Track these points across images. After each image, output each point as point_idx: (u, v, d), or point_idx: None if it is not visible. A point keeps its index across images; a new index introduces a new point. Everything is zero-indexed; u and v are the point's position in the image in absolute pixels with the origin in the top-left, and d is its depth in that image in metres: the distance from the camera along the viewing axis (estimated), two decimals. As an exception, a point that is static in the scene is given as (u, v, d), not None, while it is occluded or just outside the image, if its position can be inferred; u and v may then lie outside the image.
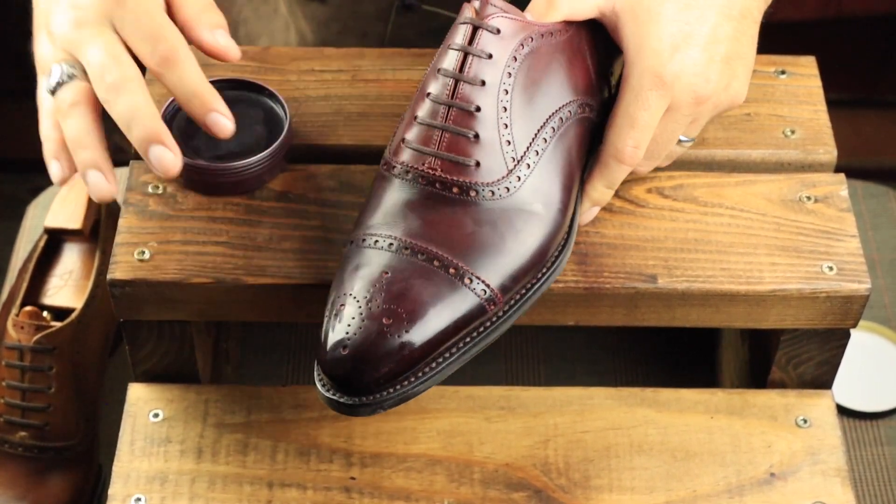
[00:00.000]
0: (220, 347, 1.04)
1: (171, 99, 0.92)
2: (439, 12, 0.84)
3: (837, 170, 0.96)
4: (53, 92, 0.82)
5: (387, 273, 0.78)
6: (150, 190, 0.92)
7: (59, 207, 1.16)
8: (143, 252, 0.89)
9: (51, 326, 1.08)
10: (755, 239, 0.91)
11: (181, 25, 0.84)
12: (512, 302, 0.81)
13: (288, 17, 1.15)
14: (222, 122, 0.83)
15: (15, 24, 1.77)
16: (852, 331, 0.93)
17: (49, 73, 0.83)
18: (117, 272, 0.88)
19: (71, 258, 1.16)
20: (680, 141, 0.89)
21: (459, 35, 0.82)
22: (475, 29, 0.82)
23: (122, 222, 0.91)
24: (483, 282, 0.79)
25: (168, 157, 0.81)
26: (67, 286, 1.14)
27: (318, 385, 0.79)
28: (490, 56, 0.81)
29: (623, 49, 0.85)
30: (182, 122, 0.93)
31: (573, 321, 0.90)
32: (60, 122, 0.82)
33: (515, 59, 0.82)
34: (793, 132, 0.97)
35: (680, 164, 0.96)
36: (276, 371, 1.14)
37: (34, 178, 1.82)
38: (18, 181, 1.87)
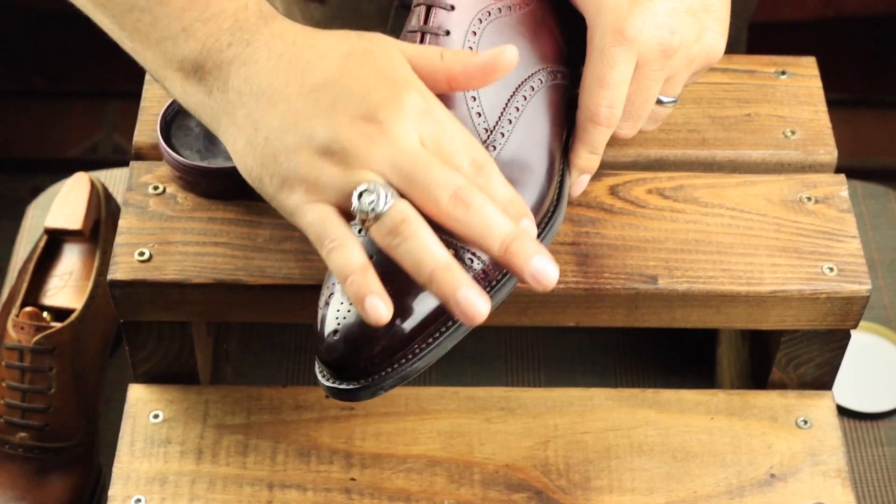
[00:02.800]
0: (220, 348, 1.04)
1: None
2: None
3: (837, 170, 0.96)
4: (377, 214, 0.72)
5: (372, 257, 0.78)
6: (150, 190, 0.92)
7: (59, 207, 1.16)
8: (143, 252, 0.89)
9: (51, 327, 1.08)
10: (756, 240, 0.91)
11: (448, 83, 0.78)
12: (504, 271, 0.81)
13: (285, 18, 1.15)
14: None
15: (15, 25, 1.77)
16: (852, 331, 0.93)
17: (357, 195, 0.72)
18: (117, 273, 0.88)
19: (71, 258, 1.16)
20: (661, 102, 0.88)
21: (415, 17, 0.83)
22: (429, 8, 0.82)
23: (122, 223, 0.91)
24: (472, 253, 0.79)
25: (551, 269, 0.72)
26: (67, 286, 1.14)
27: (319, 376, 0.80)
28: (448, 33, 0.82)
29: (584, 14, 0.84)
30: (182, 122, 0.93)
31: (573, 322, 0.90)
32: (396, 247, 0.72)
33: (475, 34, 0.82)
34: (793, 133, 0.97)
35: (680, 165, 0.96)
36: (276, 372, 1.14)
37: (34, 178, 1.83)
38: (18, 181, 1.87)
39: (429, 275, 0.71)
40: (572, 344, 1.16)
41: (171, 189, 0.93)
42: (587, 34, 0.84)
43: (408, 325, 0.77)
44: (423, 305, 0.78)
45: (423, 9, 0.83)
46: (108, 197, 1.19)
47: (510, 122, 0.82)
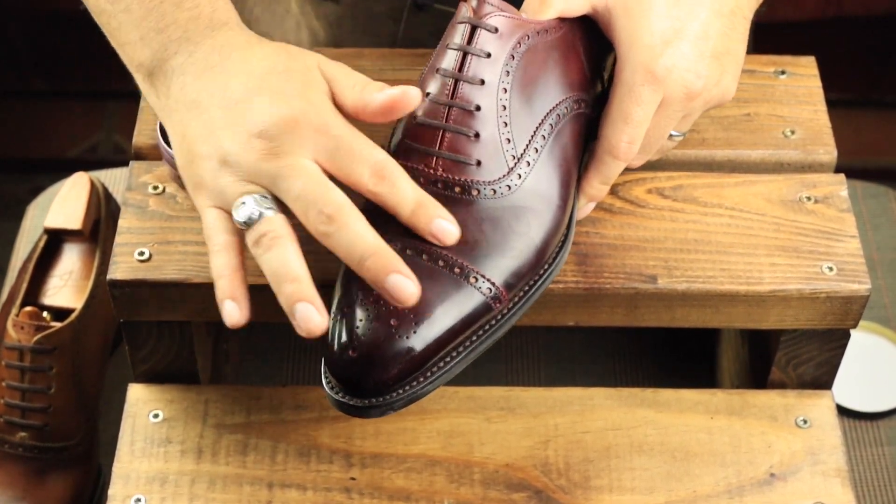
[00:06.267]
0: (220, 347, 1.04)
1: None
2: (452, 12, 0.84)
3: (837, 170, 0.96)
4: (249, 226, 0.78)
5: None
6: (150, 190, 0.92)
7: (59, 207, 1.16)
8: (143, 252, 0.89)
9: (51, 327, 1.08)
10: (755, 239, 0.91)
11: (353, 113, 0.81)
12: (516, 299, 0.82)
13: (300, 17, 1.15)
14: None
15: (15, 25, 1.77)
16: (852, 331, 0.93)
17: (236, 206, 0.78)
18: (117, 272, 0.88)
19: (71, 258, 1.16)
20: (671, 135, 0.89)
21: (458, 34, 0.83)
22: (473, 28, 0.82)
23: (122, 222, 0.91)
24: (488, 280, 0.79)
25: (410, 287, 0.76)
26: (67, 286, 1.14)
27: (326, 387, 0.79)
28: (489, 55, 0.82)
29: (615, 45, 0.85)
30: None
31: (573, 321, 0.90)
32: (259, 257, 0.77)
33: (513, 58, 0.82)
34: (793, 132, 0.97)
35: (680, 165, 0.96)
36: (276, 371, 1.14)
37: (34, 178, 1.83)
38: (18, 181, 1.87)
39: (278, 286, 0.77)
40: (572, 344, 1.16)
41: (170, 189, 0.93)
42: (616, 67, 0.85)
43: (424, 348, 0.78)
44: (439, 327, 0.78)
45: (467, 28, 0.82)
46: (108, 197, 1.19)
47: (536, 150, 0.83)
